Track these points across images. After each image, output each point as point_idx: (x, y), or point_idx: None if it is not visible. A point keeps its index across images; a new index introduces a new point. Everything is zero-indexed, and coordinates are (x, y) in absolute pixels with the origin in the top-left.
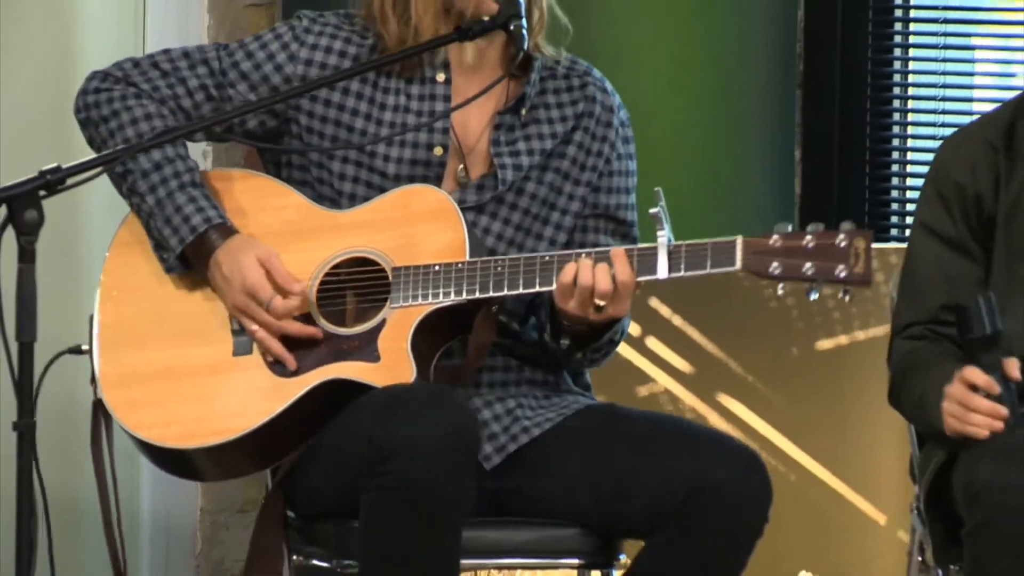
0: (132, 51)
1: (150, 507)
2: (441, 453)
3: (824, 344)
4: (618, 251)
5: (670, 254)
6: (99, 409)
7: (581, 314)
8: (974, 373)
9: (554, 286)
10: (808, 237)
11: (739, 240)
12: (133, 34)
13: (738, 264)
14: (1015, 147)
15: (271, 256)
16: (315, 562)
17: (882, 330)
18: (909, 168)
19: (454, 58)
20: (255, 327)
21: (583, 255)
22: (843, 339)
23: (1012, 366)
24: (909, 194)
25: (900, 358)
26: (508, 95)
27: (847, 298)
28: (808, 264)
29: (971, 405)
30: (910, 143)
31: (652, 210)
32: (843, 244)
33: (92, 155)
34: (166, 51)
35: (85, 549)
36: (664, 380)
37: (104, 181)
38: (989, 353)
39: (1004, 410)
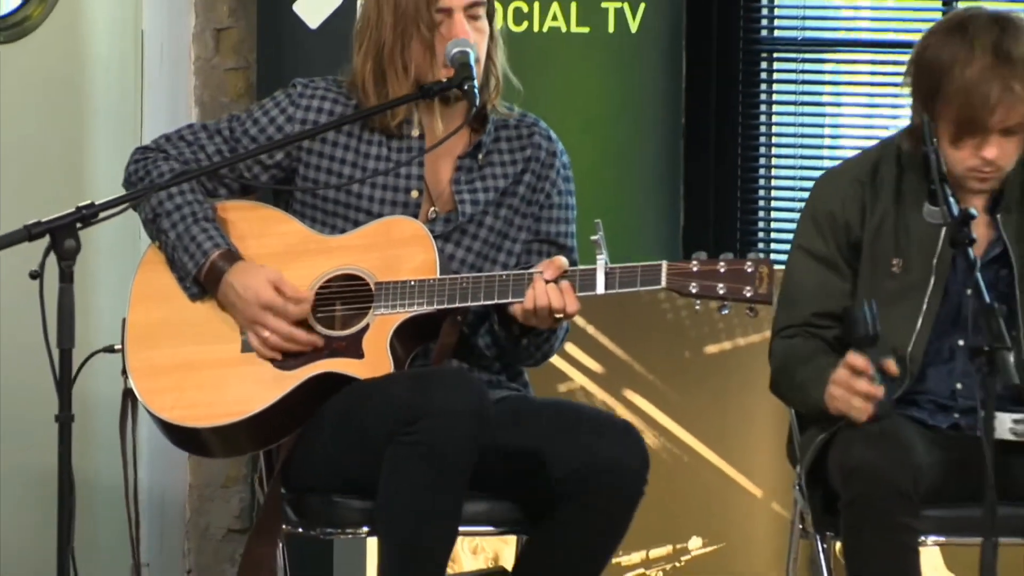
0: (132, 103)
1: (147, 483)
2: (463, 424)
3: (711, 349)
4: (556, 271)
5: (607, 274)
6: (128, 397)
7: (545, 327)
8: (857, 358)
9: (508, 299)
10: (722, 263)
11: (664, 264)
12: (133, 92)
13: (663, 283)
14: (878, 183)
15: (279, 276)
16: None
17: (758, 337)
18: (773, 204)
19: (425, 119)
20: (267, 334)
21: (536, 277)
22: (727, 344)
23: (890, 364)
24: (773, 225)
25: (780, 353)
26: (468, 144)
27: (754, 315)
28: (721, 285)
29: (854, 387)
30: (774, 183)
31: (593, 237)
32: (750, 269)
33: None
34: (190, 126)
35: (100, 519)
36: (580, 379)
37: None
38: (871, 350)
39: (881, 389)
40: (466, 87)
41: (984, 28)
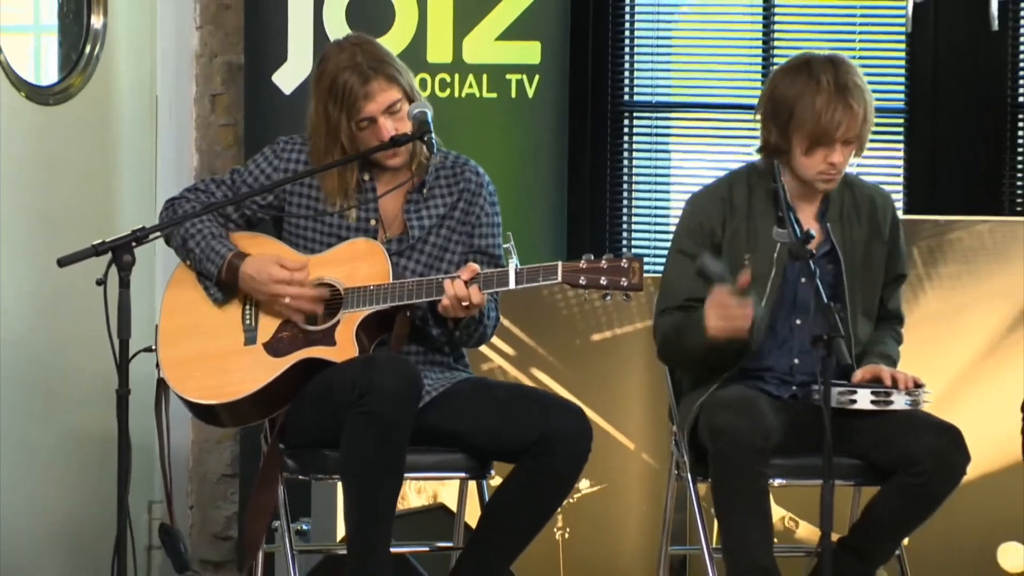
0: (149, 151)
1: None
2: (398, 395)
3: (595, 336)
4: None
5: (517, 273)
6: (160, 383)
7: (461, 315)
8: (719, 291)
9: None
10: (603, 261)
11: (560, 264)
12: (150, 143)
13: (559, 278)
14: (733, 200)
15: (280, 256)
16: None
17: (631, 328)
18: (634, 227)
19: (377, 171)
20: (288, 299)
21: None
22: (607, 333)
23: (743, 278)
24: (634, 242)
25: (663, 326)
26: (414, 181)
27: (629, 300)
28: (604, 278)
29: (728, 310)
30: (634, 213)
31: (505, 245)
32: (626, 265)
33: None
34: (203, 180)
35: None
36: (497, 359)
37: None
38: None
39: (749, 302)
40: (425, 139)
41: (823, 66)
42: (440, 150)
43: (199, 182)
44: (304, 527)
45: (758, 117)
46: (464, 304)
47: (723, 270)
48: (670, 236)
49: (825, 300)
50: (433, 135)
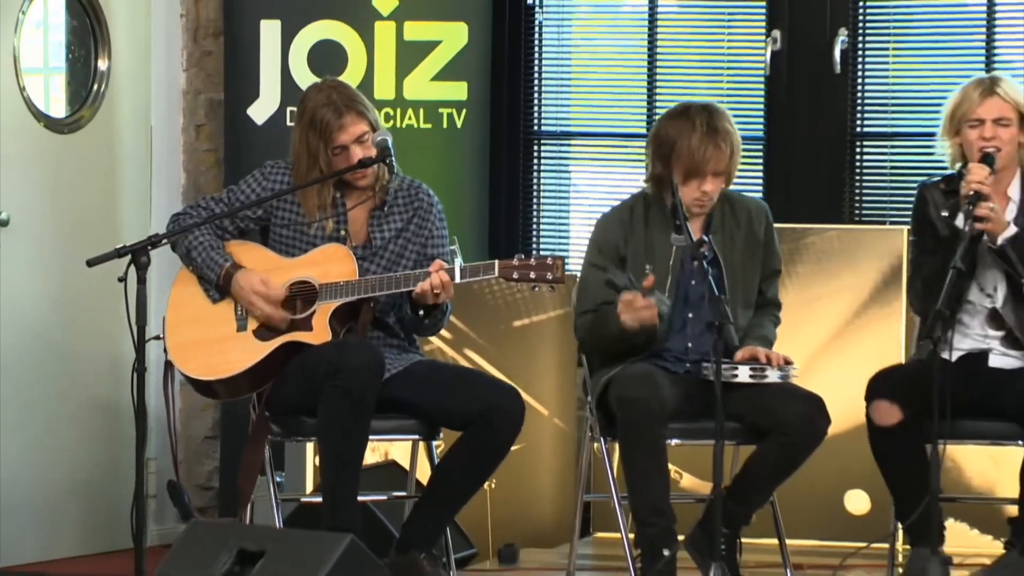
0: (145, 172)
1: (155, 408)
2: (365, 372)
3: (516, 323)
4: (440, 268)
5: (461, 270)
6: (167, 364)
7: (431, 302)
8: (626, 294)
9: (397, 289)
10: (532, 259)
11: (497, 262)
12: (146, 165)
13: (496, 273)
14: (633, 219)
15: (266, 278)
16: (281, 439)
17: (545, 316)
18: (542, 235)
19: (348, 190)
20: (258, 312)
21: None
22: (526, 320)
23: (648, 280)
24: (542, 248)
25: (582, 325)
26: (377, 201)
27: (552, 291)
28: (532, 272)
29: (636, 308)
30: (542, 223)
31: (452, 247)
32: (550, 262)
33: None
34: (204, 197)
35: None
36: (437, 342)
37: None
38: (633, 286)
39: (651, 300)
40: (387, 161)
41: (698, 112)
42: (398, 175)
43: (200, 199)
44: (279, 480)
45: (648, 152)
46: (436, 292)
47: (627, 280)
48: (571, 241)
49: (717, 294)
50: (393, 158)
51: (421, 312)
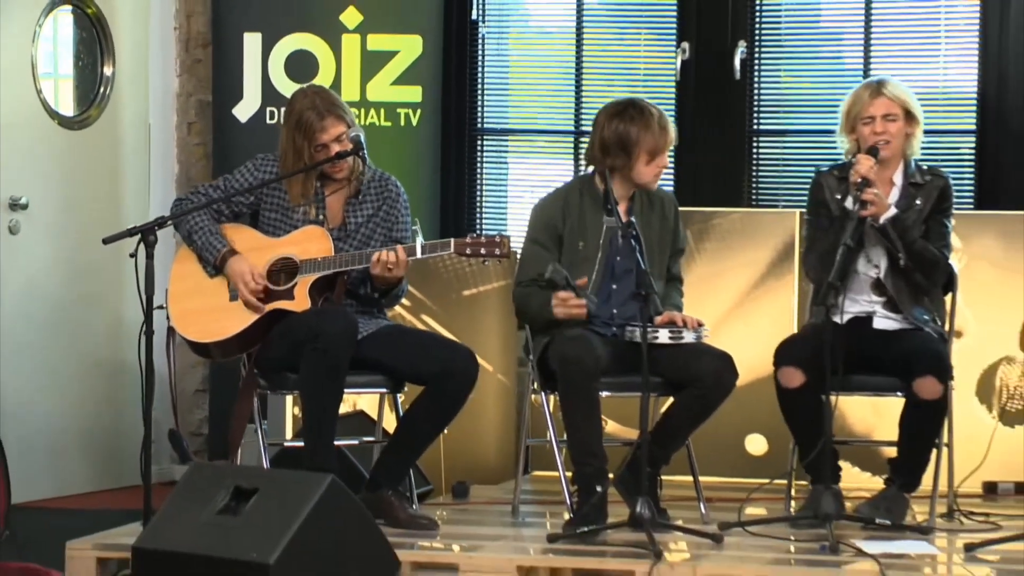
0: (143, 164)
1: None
2: (341, 336)
3: (466, 292)
4: (398, 247)
5: (422, 247)
6: (169, 329)
7: (384, 275)
8: (560, 293)
9: (365, 264)
10: (483, 237)
11: (452, 240)
12: (144, 158)
13: (452, 250)
14: (569, 202)
15: (253, 266)
16: (268, 392)
17: (490, 287)
18: (484, 218)
19: (326, 180)
20: (246, 293)
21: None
22: (474, 290)
23: (582, 281)
24: (484, 228)
25: (520, 296)
26: (351, 190)
27: (501, 263)
28: (483, 249)
29: (569, 301)
30: (484, 209)
31: (414, 227)
32: (498, 240)
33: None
34: (203, 184)
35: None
36: (398, 309)
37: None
38: (568, 285)
39: (583, 300)
40: (360, 155)
41: (646, 107)
42: (370, 167)
43: (199, 186)
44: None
45: (596, 147)
46: (390, 267)
47: (564, 277)
48: (509, 222)
49: (643, 268)
50: (366, 152)
51: (377, 294)
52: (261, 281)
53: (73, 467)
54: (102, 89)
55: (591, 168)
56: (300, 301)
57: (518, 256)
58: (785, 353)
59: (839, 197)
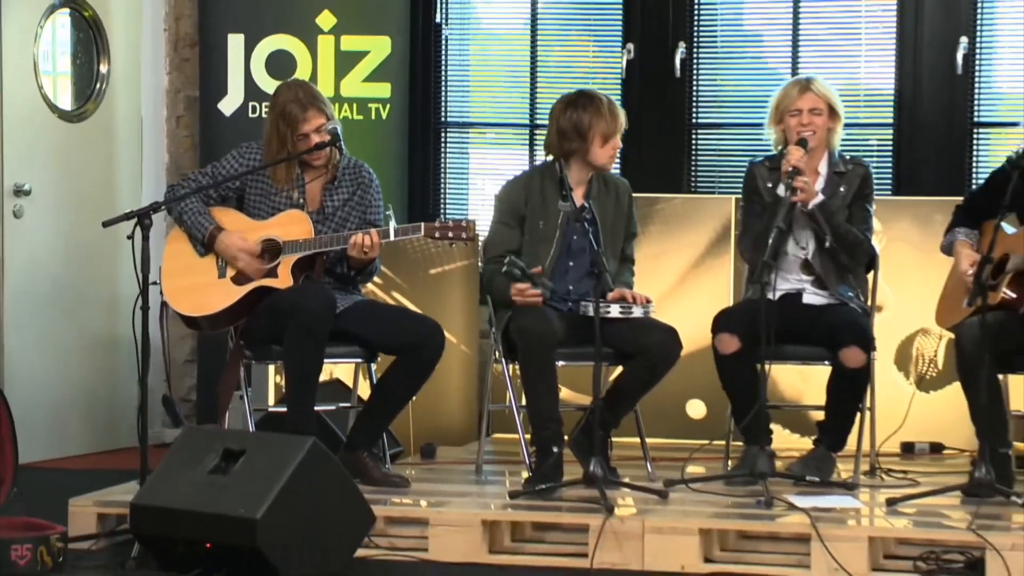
0: (136, 155)
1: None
2: (321, 311)
3: (432, 271)
4: (373, 230)
5: (395, 230)
6: (163, 304)
7: (360, 257)
8: (517, 285)
9: (343, 245)
10: (450, 221)
11: (423, 223)
12: (137, 149)
13: (422, 233)
14: (531, 187)
15: (245, 237)
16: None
17: (454, 266)
18: (448, 203)
19: (305, 167)
20: (242, 264)
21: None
22: (439, 269)
23: (537, 269)
24: (448, 214)
25: (487, 273)
26: (329, 176)
27: (467, 245)
28: (451, 232)
29: (525, 291)
30: (448, 195)
31: (388, 212)
32: (464, 224)
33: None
34: (193, 172)
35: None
36: (371, 286)
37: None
38: (524, 275)
39: (539, 290)
40: (337, 144)
41: (597, 96)
42: (346, 156)
43: (190, 173)
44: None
45: (554, 134)
46: (365, 250)
47: (520, 269)
48: (470, 207)
49: (596, 248)
50: (342, 143)
51: (353, 272)
52: (257, 246)
53: (72, 431)
54: (98, 85)
55: (550, 157)
56: (283, 279)
57: (481, 239)
58: (722, 322)
59: (771, 185)
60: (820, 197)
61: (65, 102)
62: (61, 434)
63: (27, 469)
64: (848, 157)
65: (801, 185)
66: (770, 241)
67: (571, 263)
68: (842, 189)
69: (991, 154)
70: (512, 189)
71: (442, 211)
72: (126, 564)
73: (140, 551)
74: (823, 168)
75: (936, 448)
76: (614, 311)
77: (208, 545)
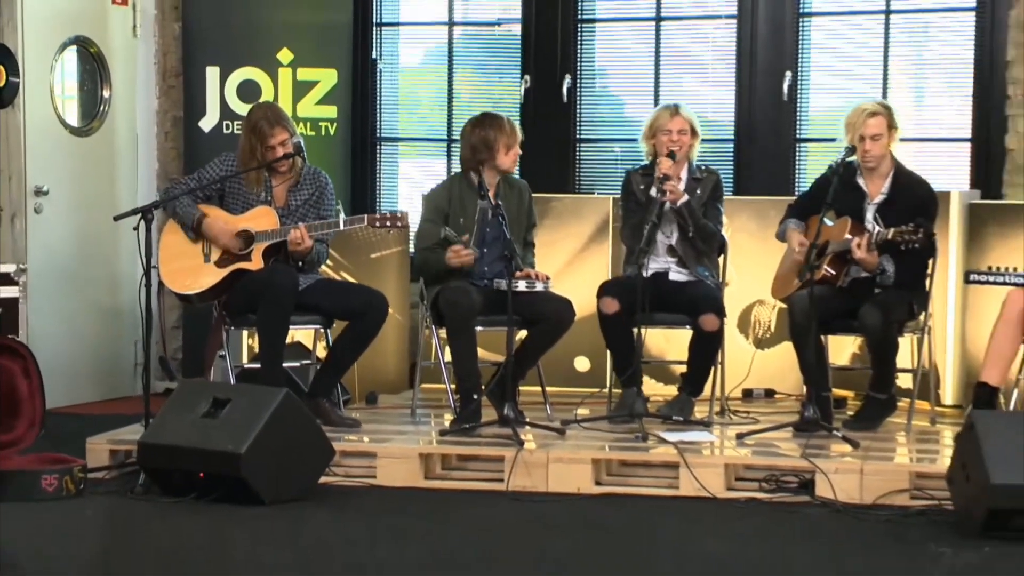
0: (132, 162)
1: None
2: (287, 288)
3: (373, 255)
4: (301, 224)
5: (344, 221)
6: (160, 284)
7: (295, 249)
8: (453, 247)
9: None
10: (388, 213)
11: (366, 215)
12: (134, 157)
13: (365, 223)
14: (451, 189)
15: (227, 221)
16: (233, 329)
17: (390, 251)
18: (383, 204)
19: (273, 174)
20: (222, 241)
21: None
22: (379, 253)
23: (465, 239)
24: (383, 208)
25: (419, 259)
26: (292, 180)
27: (400, 233)
28: (388, 222)
29: (460, 252)
30: (383, 198)
31: (337, 207)
32: (399, 215)
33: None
34: (184, 177)
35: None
36: (325, 269)
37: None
38: (458, 240)
39: (471, 252)
40: (300, 155)
41: (497, 116)
42: (307, 164)
43: (181, 178)
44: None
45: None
46: (297, 242)
47: (455, 236)
48: (400, 206)
49: (508, 237)
50: (305, 153)
51: (301, 264)
52: (237, 227)
53: (82, 383)
54: (101, 107)
55: (464, 168)
56: (256, 262)
57: (412, 230)
58: (605, 289)
59: (643, 188)
60: (685, 197)
61: (74, 120)
62: (73, 385)
63: (49, 414)
64: (703, 167)
65: (671, 188)
66: (645, 232)
67: (486, 249)
68: (699, 192)
69: (810, 164)
70: (437, 192)
71: (377, 208)
72: (134, 490)
73: (145, 480)
74: (684, 175)
75: (769, 393)
76: (521, 286)
77: (201, 475)
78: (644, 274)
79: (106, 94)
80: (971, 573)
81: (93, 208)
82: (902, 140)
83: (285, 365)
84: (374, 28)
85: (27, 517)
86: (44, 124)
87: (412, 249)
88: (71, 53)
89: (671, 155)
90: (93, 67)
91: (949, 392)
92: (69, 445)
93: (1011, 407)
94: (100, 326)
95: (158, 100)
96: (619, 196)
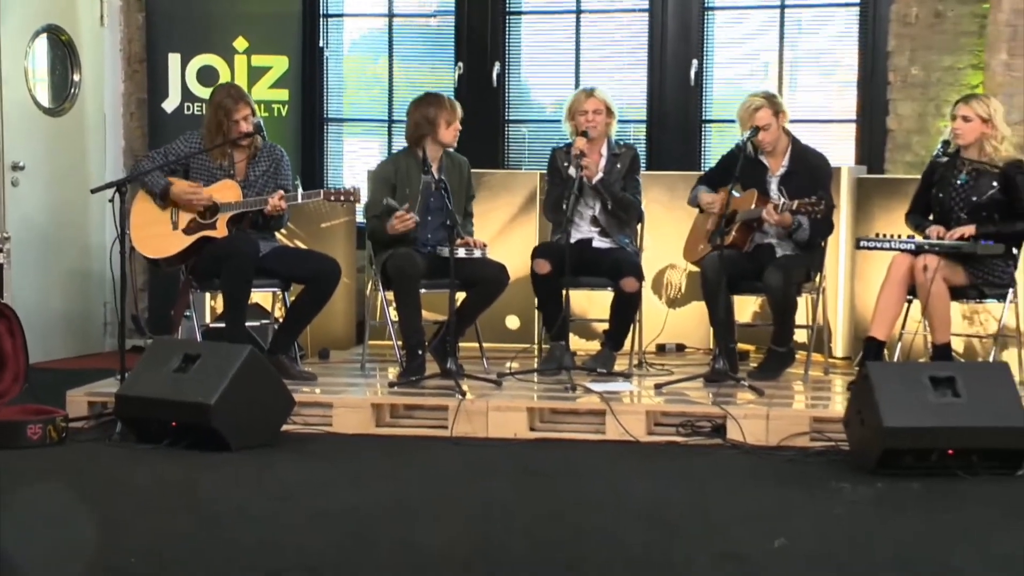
0: (101, 142)
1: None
2: (248, 254)
3: (324, 224)
4: (280, 192)
5: (302, 195)
6: (131, 248)
7: (272, 213)
8: (398, 214)
9: (266, 206)
10: (345, 187)
11: (322, 189)
12: (102, 136)
13: (321, 197)
14: (399, 163)
15: (192, 185)
16: (199, 291)
17: (339, 221)
18: (329, 179)
19: (235, 148)
20: (195, 199)
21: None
22: (332, 223)
23: (406, 208)
24: (331, 185)
25: (372, 226)
26: (251, 154)
27: (352, 206)
28: (342, 195)
29: (404, 217)
30: (329, 174)
31: (296, 182)
32: (352, 190)
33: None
34: (152, 151)
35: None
36: (279, 236)
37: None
38: (399, 207)
39: (413, 216)
40: (260, 133)
41: (439, 96)
42: (265, 141)
43: (149, 152)
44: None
45: (412, 126)
46: (277, 208)
47: (397, 204)
48: (346, 181)
49: (451, 208)
50: (264, 131)
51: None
52: (200, 191)
53: (57, 340)
54: (71, 90)
55: (409, 143)
56: (220, 230)
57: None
58: (538, 252)
59: (566, 165)
60: (600, 175)
61: (47, 102)
62: (49, 342)
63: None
64: (622, 143)
65: (587, 164)
66: (568, 204)
67: (429, 218)
68: (618, 166)
69: (714, 142)
70: (384, 166)
71: (325, 182)
72: (112, 437)
73: (122, 429)
74: (604, 151)
75: (680, 348)
76: (461, 253)
77: (174, 424)
78: (571, 241)
79: (76, 78)
80: (867, 504)
81: (66, 182)
82: (794, 121)
83: (248, 325)
84: (321, 19)
85: (14, 462)
86: (20, 105)
87: (360, 219)
88: (43, 41)
89: (584, 134)
90: (64, 53)
91: (840, 345)
92: (48, 397)
93: (895, 359)
94: (72, 289)
95: (124, 84)
96: (545, 172)
